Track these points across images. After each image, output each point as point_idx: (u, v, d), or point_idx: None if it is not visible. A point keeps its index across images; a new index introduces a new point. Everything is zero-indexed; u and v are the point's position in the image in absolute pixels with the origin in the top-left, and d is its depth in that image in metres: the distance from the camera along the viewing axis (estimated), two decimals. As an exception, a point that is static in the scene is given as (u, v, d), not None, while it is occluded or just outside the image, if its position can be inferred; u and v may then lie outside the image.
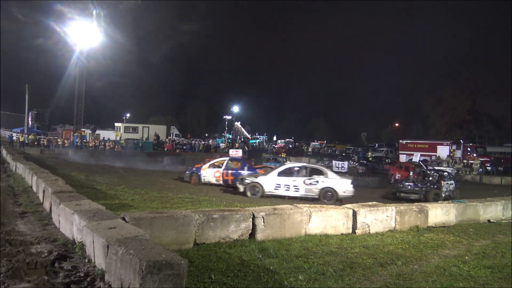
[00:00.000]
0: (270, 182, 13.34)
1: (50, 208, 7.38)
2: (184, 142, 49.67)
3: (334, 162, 25.69)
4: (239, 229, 6.07)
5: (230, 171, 15.98)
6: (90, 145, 38.93)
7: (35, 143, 38.10)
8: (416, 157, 26.26)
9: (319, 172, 13.52)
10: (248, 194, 13.13)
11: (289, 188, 13.20)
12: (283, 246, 5.85)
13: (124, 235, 4.12)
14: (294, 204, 7.23)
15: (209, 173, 16.30)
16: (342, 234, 7.01)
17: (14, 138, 40.80)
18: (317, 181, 13.08)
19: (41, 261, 4.49)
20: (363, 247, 6.20)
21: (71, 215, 5.64)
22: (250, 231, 6.18)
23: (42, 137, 40.78)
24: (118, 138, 46.16)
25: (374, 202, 8.13)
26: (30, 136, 39.01)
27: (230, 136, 59.36)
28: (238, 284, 4.20)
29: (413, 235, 7.37)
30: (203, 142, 49.94)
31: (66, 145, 37.91)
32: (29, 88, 38.46)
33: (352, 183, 13.32)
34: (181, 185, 15.62)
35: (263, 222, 6.22)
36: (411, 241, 6.84)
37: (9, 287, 3.74)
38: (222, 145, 50.03)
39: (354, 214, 7.20)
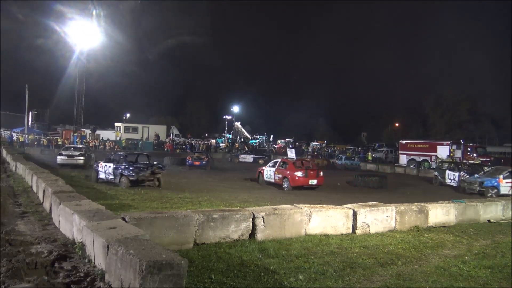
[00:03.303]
0: None
1: (50, 208, 7.39)
2: (186, 142, 49.74)
3: (447, 172, 19.90)
4: (239, 229, 6.07)
5: None
6: (90, 145, 38.96)
7: (35, 143, 38.14)
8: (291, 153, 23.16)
9: None
10: None
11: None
12: (283, 246, 5.85)
13: (124, 235, 4.12)
14: (294, 204, 7.23)
15: None
16: (342, 234, 7.00)
17: (14, 138, 40.84)
18: None
19: (41, 261, 4.49)
20: (363, 247, 6.20)
21: (71, 215, 5.64)
22: (250, 231, 6.18)
23: (42, 137, 40.80)
24: (118, 138, 46.22)
25: (374, 202, 8.12)
26: (30, 136, 39.06)
27: (230, 136, 59.34)
28: (238, 284, 4.20)
29: (413, 235, 7.37)
30: (203, 142, 49.97)
31: (66, 145, 37.92)
32: (29, 88, 38.47)
33: None
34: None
35: (263, 222, 6.22)
36: (411, 241, 6.83)
37: (9, 287, 3.74)
38: (222, 145, 50.09)
39: (354, 214, 7.20)
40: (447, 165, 21.47)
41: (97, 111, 66.71)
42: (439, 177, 20.58)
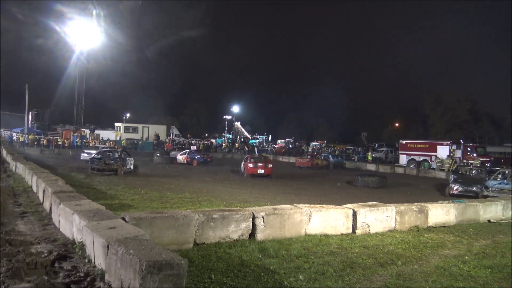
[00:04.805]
0: None
1: (50, 208, 7.39)
2: (185, 142, 49.72)
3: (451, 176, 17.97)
4: (239, 229, 6.07)
5: None
6: (90, 145, 38.93)
7: (35, 143, 38.13)
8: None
9: None
10: None
11: None
12: (283, 246, 5.85)
13: (124, 235, 4.12)
14: (294, 204, 7.23)
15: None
16: (342, 234, 7.00)
17: (14, 138, 40.81)
18: None
19: (41, 261, 4.49)
20: (363, 247, 6.20)
21: (71, 215, 5.64)
22: (250, 231, 6.18)
23: (42, 137, 40.77)
24: (118, 138, 46.19)
25: (374, 202, 8.12)
26: (30, 136, 39.04)
27: (230, 136, 59.29)
28: (238, 284, 4.20)
29: (413, 235, 7.37)
30: (203, 142, 49.97)
31: (66, 145, 37.95)
32: (29, 88, 38.47)
33: None
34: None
35: (263, 222, 6.22)
36: (411, 241, 6.83)
37: (9, 287, 3.74)
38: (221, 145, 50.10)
39: (354, 214, 7.20)
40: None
41: (97, 111, 66.80)
42: None
